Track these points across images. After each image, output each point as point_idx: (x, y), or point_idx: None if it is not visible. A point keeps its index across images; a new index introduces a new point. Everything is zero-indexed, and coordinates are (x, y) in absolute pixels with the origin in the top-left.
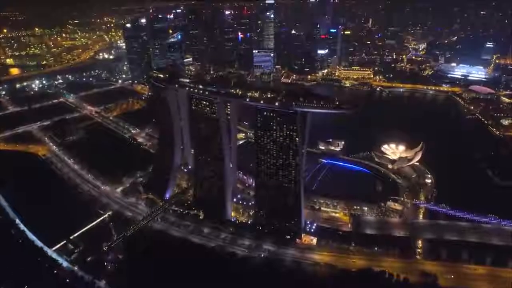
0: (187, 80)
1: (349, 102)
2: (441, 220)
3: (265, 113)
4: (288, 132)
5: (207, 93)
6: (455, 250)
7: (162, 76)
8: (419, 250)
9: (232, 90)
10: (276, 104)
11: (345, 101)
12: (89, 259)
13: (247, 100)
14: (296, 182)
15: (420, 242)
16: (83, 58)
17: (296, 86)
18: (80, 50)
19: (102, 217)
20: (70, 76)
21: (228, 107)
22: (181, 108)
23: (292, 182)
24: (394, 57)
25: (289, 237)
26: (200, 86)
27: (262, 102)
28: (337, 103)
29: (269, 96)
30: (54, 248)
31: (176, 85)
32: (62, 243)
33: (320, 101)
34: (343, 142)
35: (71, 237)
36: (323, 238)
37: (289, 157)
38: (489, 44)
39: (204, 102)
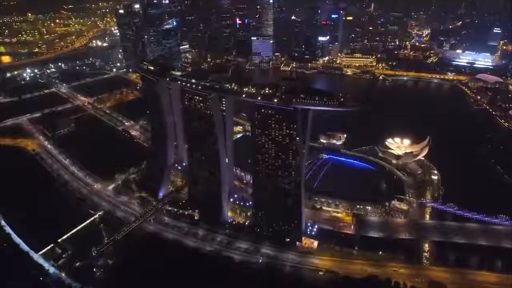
0: (179, 73)
1: (354, 99)
2: (448, 221)
3: (263, 110)
4: (287, 131)
5: (200, 87)
6: (464, 254)
7: (152, 68)
8: (426, 254)
9: (227, 85)
10: (275, 100)
11: (351, 98)
12: (77, 264)
13: (243, 96)
14: (297, 183)
15: (427, 245)
16: (76, 45)
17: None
18: (74, 37)
19: (93, 218)
20: (63, 65)
21: (223, 102)
22: (174, 102)
23: (292, 183)
24: (397, 43)
25: (288, 240)
26: (193, 80)
27: (259, 98)
28: (342, 99)
29: (267, 92)
30: (41, 253)
31: (167, 79)
32: (49, 247)
33: (323, 98)
34: (345, 135)
35: (59, 240)
36: (325, 241)
37: (289, 157)
38: (496, 30)
39: (198, 98)
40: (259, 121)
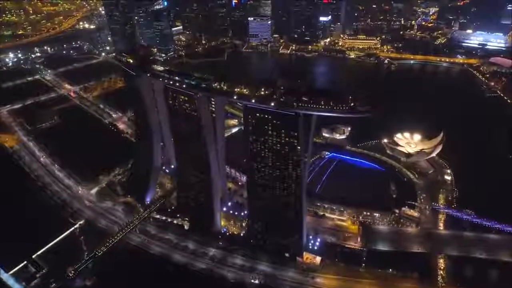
0: (161, 68)
1: (367, 101)
2: (466, 231)
3: (257, 114)
4: (287, 139)
5: (185, 86)
6: (485, 272)
7: (132, 61)
8: (441, 272)
9: (216, 84)
10: (272, 104)
11: (363, 100)
12: (52, 286)
13: (235, 97)
14: (297, 196)
15: (442, 260)
16: (64, 27)
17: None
18: (61, 18)
19: (72, 228)
20: (49, 49)
21: (213, 102)
22: (158, 99)
23: (292, 195)
24: (403, 23)
25: (288, 255)
26: (177, 78)
27: (253, 101)
28: (352, 104)
29: (263, 93)
30: (11, 272)
31: (149, 74)
32: (21, 265)
33: (330, 101)
34: (349, 129)
35: (33, 256)
36: (328, 256)
37: (289, 167)
38: (510, 6)
39: (183, 97)
40: (254, 127)
